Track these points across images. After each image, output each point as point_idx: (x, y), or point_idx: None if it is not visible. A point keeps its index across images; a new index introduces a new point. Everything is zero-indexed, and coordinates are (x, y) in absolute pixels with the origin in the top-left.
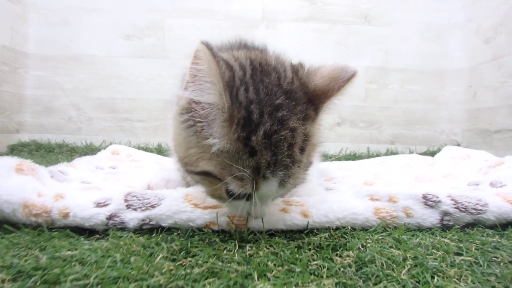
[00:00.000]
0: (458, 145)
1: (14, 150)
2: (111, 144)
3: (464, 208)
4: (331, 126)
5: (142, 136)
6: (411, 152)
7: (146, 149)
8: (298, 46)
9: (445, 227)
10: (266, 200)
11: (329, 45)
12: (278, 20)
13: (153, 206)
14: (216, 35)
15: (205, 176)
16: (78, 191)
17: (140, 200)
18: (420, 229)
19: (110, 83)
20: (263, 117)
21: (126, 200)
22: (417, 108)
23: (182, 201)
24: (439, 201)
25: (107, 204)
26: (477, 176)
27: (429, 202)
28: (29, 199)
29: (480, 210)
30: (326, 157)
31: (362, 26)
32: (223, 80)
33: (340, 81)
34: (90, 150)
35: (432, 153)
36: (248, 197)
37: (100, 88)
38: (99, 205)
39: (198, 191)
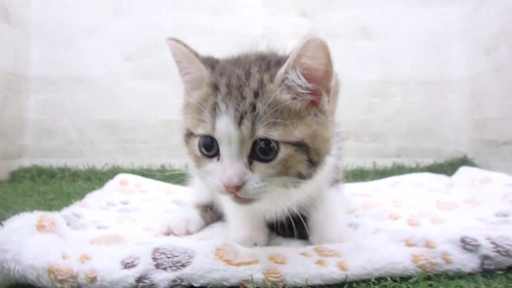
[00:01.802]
0: (465, 156)
1: (16, 176)
2: (113, 166)
3: (505, 252)
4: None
5: (145, 157)
6: (417, 165)
7: (150, 170)
8: None
9: (485, 271)
10: (232, 152)
11: None
12: (279, 36)
13: (183, 265)
14: (218, 52)
15: (189, 140)
16: (102, 248)
17: (169, 258)
18: (460, 275)
19: (112, 104)
20: (230, 68)
21: (154, 259)
22: (421, 119)
23: (214, 258)
24: (479, 245)
25: (135, 265)
26: (503, 204)
27: (468, 246)
28: (54, 263)
29: None
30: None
31: (362, 40)
32: (193, 53)
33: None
34: (93, 173)
35: (440, 166)
36: (217, 154)
37: (102, 109)
38: (127, 265)
39: (228, 244)
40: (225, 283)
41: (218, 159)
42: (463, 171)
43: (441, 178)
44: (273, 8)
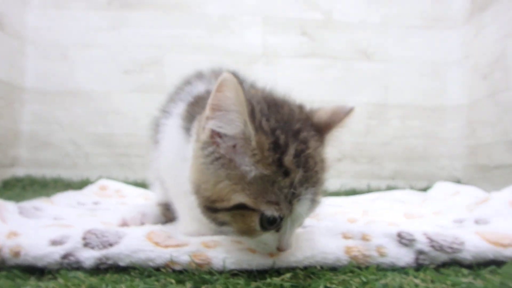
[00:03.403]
0: (459, 181)
1: (7, 185)
2: (107, 179)
3: (439, 247)
4: (331, 162)
5: (139, 171)
6: (411, 188)
7: (143, 185)
8: (297, 82)
9: (420, 267)
10: (297, 225)
11: (329, 81)
12: (278, 56)
13: (111, 244)
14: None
15: (238, 211)
16: (37, 229)
17: (99, 238)
18: (394, 268)
19: (108, 118)
20: (289, 139)
21: (84, 238)
22: (418, 144)
23: (143, 240)
24: (414, 240)
25: (63, 243)
26: (464, 213)
27: (403, 240)
28: None
29: (456, 249)
30: (325, 193)
31: (362, 62)
32: (248, 110)
33: (341, 114)
34: (86, 184)
35: None
36: (278, 226)
37: (98, 123)
38: (54, 243)
39: (164, 229)
40: (151, 263)
41: (277, 230)
42: (438, 186)
43: (420, 194)
44: (273, 27)
